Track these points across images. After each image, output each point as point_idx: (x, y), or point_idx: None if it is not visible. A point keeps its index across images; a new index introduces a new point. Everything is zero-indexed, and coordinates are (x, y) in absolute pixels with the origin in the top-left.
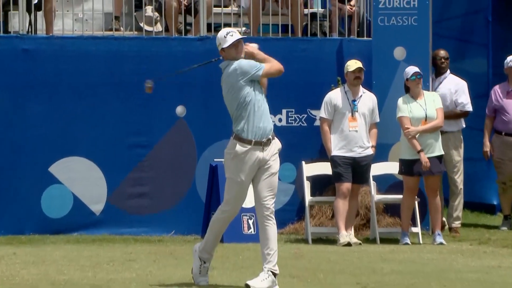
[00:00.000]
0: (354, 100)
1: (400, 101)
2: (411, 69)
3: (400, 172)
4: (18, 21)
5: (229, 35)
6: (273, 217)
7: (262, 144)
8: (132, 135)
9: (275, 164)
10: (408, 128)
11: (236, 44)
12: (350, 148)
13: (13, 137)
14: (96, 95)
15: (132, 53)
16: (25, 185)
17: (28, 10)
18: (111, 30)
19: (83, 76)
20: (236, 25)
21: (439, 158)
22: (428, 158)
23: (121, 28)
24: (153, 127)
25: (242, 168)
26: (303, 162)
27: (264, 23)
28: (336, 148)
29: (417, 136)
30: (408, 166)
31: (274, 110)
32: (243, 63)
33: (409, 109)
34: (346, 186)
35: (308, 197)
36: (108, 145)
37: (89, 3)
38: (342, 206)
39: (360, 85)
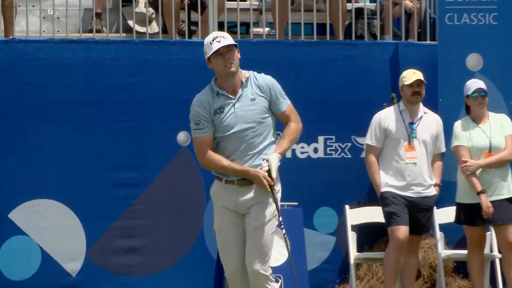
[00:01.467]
0: (412, 123)
1: (457, 125)
2: (474, 84)
3: (458, 220)
4: None
5: (215, 41)
6: (268, 282)
7: (236, 183)
8: (119, 171)
9: (257, 215)
10: (465, 162)
11: (223, 52)
12: (406, 187)
13: None
14: (71, 118)
15: (119, 61)
16: None
17: None
18: (91, 31)
19: (54, 93)
20: (256, 24)
21: (510, 201)
22: (495, 201)
23: (104, 29)
24: (148, 159)
25: (217, 212)
26: (347, 207)
27: (294, 21)
28: (387, 186)
29: (478, 172)
30: (469, 213)
31: (308, 137)
32: (195, 105)
33: (468, 137)
34: (403, 230)
35: (353, 253)
36: (87, 184)
37: None
38: (395, 259)
39: (421, 103)
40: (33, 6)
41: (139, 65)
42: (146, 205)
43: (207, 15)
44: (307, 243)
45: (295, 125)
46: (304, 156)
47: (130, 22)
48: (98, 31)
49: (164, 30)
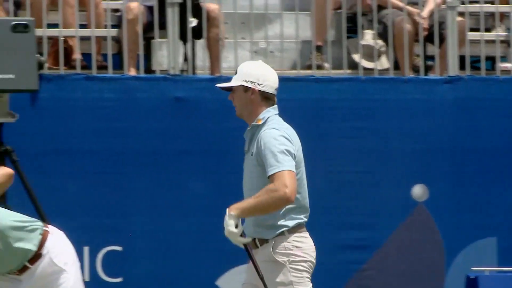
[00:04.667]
0: None
1: None
2: None
3: None
4: (168, 55)
5: None
6: None
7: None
8: (343, 230)
9: None
10: None
11: None
12: None
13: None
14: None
15: (344, 102)
16: None
17: (183, 38)
18: (310, 67)
19: None
20: (504, 59)
21: None
22: None
23: (326, 65)
24: (378, 218)
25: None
26: None
27: None
28: None
29: None
30: None
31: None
32: None
33: None
34: None
35: None
36: None
37: (274, 26)
38: None
39: None
40: (242, 38)
41: (366, 107)
42: (376, 271)
43: (446, 48)
44: None
45: (272, 186)
46: None
47: (356, 57)
48: (318, 67)
49: (396, 66)
